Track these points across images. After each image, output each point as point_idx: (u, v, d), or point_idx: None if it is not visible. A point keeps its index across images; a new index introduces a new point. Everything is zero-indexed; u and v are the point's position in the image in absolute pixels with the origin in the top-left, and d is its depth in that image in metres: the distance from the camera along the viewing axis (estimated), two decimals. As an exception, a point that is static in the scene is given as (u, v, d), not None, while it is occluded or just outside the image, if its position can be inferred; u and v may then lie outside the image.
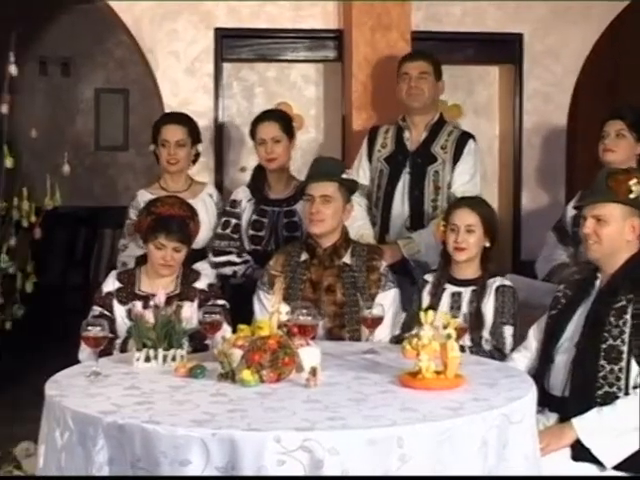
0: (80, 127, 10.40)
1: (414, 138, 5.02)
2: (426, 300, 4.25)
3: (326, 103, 5.83)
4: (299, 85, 5.81)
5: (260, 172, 5.06)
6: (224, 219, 4.99)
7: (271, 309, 3.57)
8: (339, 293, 4.27)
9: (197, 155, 5.13)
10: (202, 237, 4.76)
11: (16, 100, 5.17)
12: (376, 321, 3.93)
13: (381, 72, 5.47)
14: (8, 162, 4.91)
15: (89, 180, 10.10)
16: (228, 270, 4.91)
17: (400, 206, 4.96)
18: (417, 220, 4.90)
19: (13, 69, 4.93)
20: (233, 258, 4.92)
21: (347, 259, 4.31)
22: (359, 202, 4.86)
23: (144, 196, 4.93)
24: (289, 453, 2.77)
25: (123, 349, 4.03)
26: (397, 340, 4.07)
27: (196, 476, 2.94)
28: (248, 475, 2.76)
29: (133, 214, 4.96)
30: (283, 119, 5.02)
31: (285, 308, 3.57)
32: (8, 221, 4.95)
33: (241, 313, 4.20)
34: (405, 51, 5.44)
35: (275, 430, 2.81)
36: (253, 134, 5.01)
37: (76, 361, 4.00)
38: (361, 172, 5.05)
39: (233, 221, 4.97)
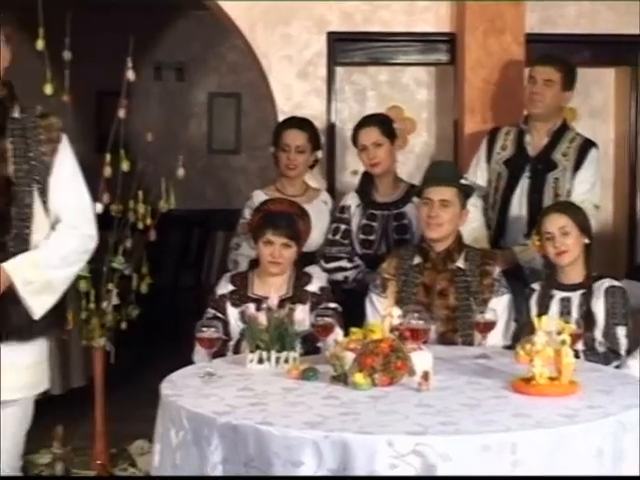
0: (193, 131, 10.55)
1: (535, 143, 4.95)
2: (534, 309, 4.22)
3: (438, 106, 5.81)
4: (411, 88, 5.80)
5: (367, 177, 5.07)
6: (334, 225, 5.01)
7: (383, 312, 3.58)
8: (452, 297, 4.25)
9: (316, 161, 5.17)
10: (315, 242, 4.78)
11: (132, 105, 5.26)
12: (489, 326, 3.91)
13: (494, 75, 5.43)
14: (124, 165, 4.99)
15: (202, 183, 10.23)
16: (340, 276, 4.92)
17: (517, 210, 4.90)
18: (535, 226, 4.83)
19: (130, 74, 5.00)
20: (344, 264, 4.93)
21: (460, 263, 4.29)
22: (474, 203, 4.82)
23: (260, 196, 4.98)
24: (401, 457, 2.77)
25: (236, 351, 4.08)
26: (510, 345, 4.04)
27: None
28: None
29: (248, 213, 5.01)
30: (383, 123, 5.01)
31: (397, 312, 3.57)
32: (124, 223, 5.02)
33: (353, 316, 4.20)
34: (519, 54, 5.39)
35: (387, 434, 2.81)
36: (355, 141, 5.02)
37: (189, 361, 4.06)
38: (479, 173, 5.01)
39: (343, 227, 4.98)
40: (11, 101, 3.61)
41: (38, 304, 3.54)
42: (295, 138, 5.05)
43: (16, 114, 3.61)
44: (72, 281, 3.72)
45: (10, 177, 3.52)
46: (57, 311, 3.65)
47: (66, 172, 3.64)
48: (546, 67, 4.90)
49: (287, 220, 4.23)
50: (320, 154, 5.19)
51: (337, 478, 2.82)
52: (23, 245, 3.53)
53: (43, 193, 3.58)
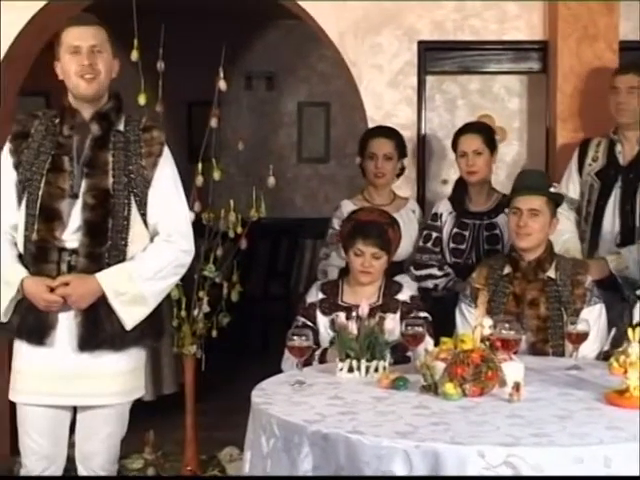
0: (283, 140, 10.60)
1: (626, 152, 4.88)
2: (637, 317, 4.15)
3: (530, 115, 5.75)
4: (502, 97, 5.75)
5: (461, 185, 5.04)
6: (425, 232, 5.00)
7: (474, 322, 3.56)
8: (543, 307, 4.21)
9: (402, 169, 5.16)
10: (403, 251, 4.77)
11: (223, 114, 5.31)
12: (581, 337, 3.86)
13: (587, 84, 5.36)
14: (216, 174, 5.03)
15: (291, 192, 10.28)
16: (429, 283, 4.91)
17: (611, 222, 4.82)
18: (627, 236, 4.74)
19: (222, 84, 5.05)
20: (434, 271, 4.92)
21: (551, 273, 4.24)
22: (567, 216, 4.78)
23: (348, 206, 4.99)
24: (492, 468, 2.75)
25: (322, 360, 4.08)
26: (605, 357, 3.98)
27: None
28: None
29: (336, 223, 5.03)
30: (485, 132, 4.99)
31: (488, 322, 3.54)
32: (215, 232, 5.07)
33: (442, 325, 4.19)
34: (613, 62, 5.31)
35: (479, 444, 2.80)
36: (455, 146, 5.00)
37: (279, 369, 4.08)
38: (571, 186, 4.95)
39: (434, 234, 4.97)
40: (117, 113, 3.68)
41: (129, 315, 3.60)
42: (382, 146, 5.05)
43: (120, 127, 3.67)
44: (166, 294, 3.77)
45: (109, 189, 3.59)
46: (152, 321, 3.71)
47: (165, 187, 3.69)
48: (627, 75, 4.84)
49: (377, 230, 4.23)
50: (406, 162, 5.19)
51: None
52: (119, 257, 3.60)
53: (141, 206, 3.64)
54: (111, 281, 3.57)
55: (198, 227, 5.04)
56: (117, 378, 3.67)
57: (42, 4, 5.42)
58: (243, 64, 10.13)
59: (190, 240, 3.79)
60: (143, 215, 3.65)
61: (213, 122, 5.09)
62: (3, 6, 5.37)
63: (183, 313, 5.07)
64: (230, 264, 5.18)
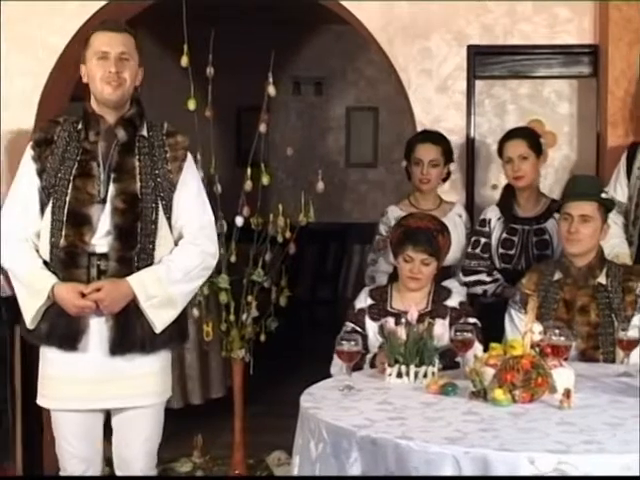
0: (331, 145, 10.61)
1: (673, 154, 4.85)
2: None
3: (580, 120, 5.71)
4: (552, 101, 5.71)
5: (509, 190, 5.02)
6: (474, 238, 4.98)
7: (524, 328, 3.53)
8: (593, 314, 4.17)
9: (448, 174, 5.15)
10: (451, 257, 4.75)
11: (272, 119, 5.33)
12: (632, 343, 3.83)
13: (638, 88, 5.32)
14: (265, 179, 5.05)
15: (339, 197, 10.28)
16: (478, 289, 4.89)
17: None
18: None
19: (271, 89, 5.07)
20: (483, 277, 4.90)
21: (602, 279, 4.21)
22: (614, 220, 4.73)
23: (394, 212, 5.00)
24: (543, 475, 2.73)
25: (372, 364, 4.08)
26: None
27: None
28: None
29: (383, 229, 5.04)
30: (531, 136, 4.97)
31: (539, 327, 3.52)
32: (264, 237, 5.09)
33: (491, 331, 4.17)
34: (664, 66, 5.26)
35: (529, 451, 2.78)
36: (500, 152, 4.99)
37: (327, 374, 4.08)
38: (619, 189, 4.91)
39: (483, 240, 4.95)
40: (140, 119, 3.71)
41: (159, 318, 3.64)
42: (428, 152, 5.04)
43: (144, 132, 3.70)
44: (192, 297, 3.81)
45: (137, 194, 3.61)
46: (178, 325, 3.76)
47: (190, 190, 3.74)
48: None
49: (427, 236, 4.22)
50: (452, 167, 5.18)
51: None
52: (148, 260, 3.64)
53: (167, 210, 3.68)
54: (142, 284, 3.60)
55: (247, 232, 5.08)
56: (148, 379, 3.71)
57: (92, 10, 5.45)
58: (292, 69, 10.16)
59: (215, 243, 3.84)
60: (169, 219, 3.69)
61: (262, 127, 5.12)
62: (54, 12, 5.42)
63: (232, 317, 5.10)
64: (278, 269, 5.19)
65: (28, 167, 3.69)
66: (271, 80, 5.09)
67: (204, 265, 3.77)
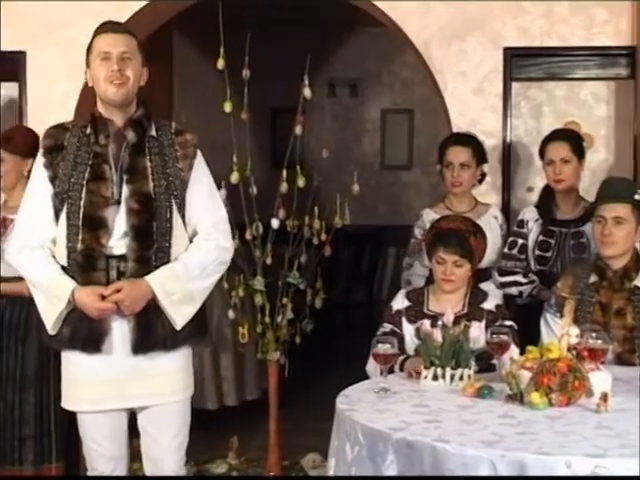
0: (366, 147, 10.61)
1: None
2: None
3: (617, 122, 5.68)
4: (589, 104, 5.69)
5: (548, 192, 5.00)
6: (511, 239, 4.96)
7: (560, 331, 3.51)
8: (629, 317, 4.14)
9: (483, 175, 5.13)
10: (487, 258, 4.73)
11: (307, 121, 5.33)
12: (669, 347, 3.80)
13: (676, 89, 5.30)
14: (300, 181, 5.06)
15: (374, 199, 10.27)
16: (514, 290, 4.88)
17: None
18: None
19: (307, 92, 5.08)
20: (519, 278, 4.88)
21: (638, 282, 4.18)
22: None
23: (429, 215, 4.99)
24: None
25: (402, 368, 4.04)
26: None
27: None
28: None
29: (418, 233, 5.03)
30: (573, 139, 4.94)
31: (575, 331, 3.50)
32: (299, 239, 5.09)
33: (526, 334, 4.15)
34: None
35: (566, 455, 2.76)
36: (542, 154, 4.96)
37: (362, 376, 4.06)
38: None
39: (520, 241, 4.93)
40: (148, 120, 3.73)
41: (179, 315, 3.66)
42: (459, 155, 5.02)
43: (153, 132, 3.72)
44: (210, 291, 3.80)
45: (151, 193, 3.64)
46: (198, 321, 3.77)
47: (202, 187, 3.76)
48: None
49: (458, 238, 4.21)
50: (486, 168, 5.15)
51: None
52: (165, 258, 3.66)
53: (181, 208, 3.71)
54: (161, 283, 3.63)
55: (282, 234, 5.09)
56: (171, 376, 3.73)
57: (130, 13, 5.49)
58: (327, 71, 10.16)
59: (230, 237, 3.87)
60: (183, 217, 3.72)
61: (298, 129, 5.12)
62: (93, 16, 5.45)
63: (267, 319, 5.10)
64: (314, 271, 5.19)
65: (40, 174, 3.71)
66: (307, 82, 5.10)
67: (220, 260, 3.80)
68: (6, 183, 4.79)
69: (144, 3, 5.53)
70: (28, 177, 4.63)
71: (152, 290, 3.61)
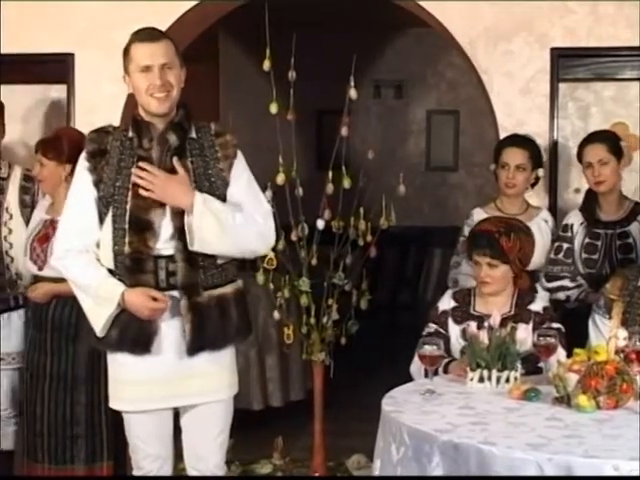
0: (411, 148, 10.59)
1: None
2: None
3: (666, 123, 5.63)
4: (637, 104, 5.63)
5: (591, 194, 4.96)
6: (556, 244, 4.92)
7: (609, 334, 3.49)
8: (678, 320, 4.11)
9: (537, 179, 5.10)
10: (536, 261, 4.70)
11: (352, 122, 5.33)
12: None
13: None
14: (346, 183, 5.06)
15: (419, 200, 10.25)
16: (561, 295, 4.83)
17: None
18: None
19: (353, 93, 5.08)
20: (566, 283, 4.85)
21: (689, 284, 4.14)
22: None
23: (479, 214, 4.96)
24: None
25: (445, 370, 4.04)
26: None
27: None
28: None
29: (467, 232, 5.00)
30: (610, 140, 4.90)
31: (623, 333, 3.48)
32: (345, 240, 5.09)
33: (574, 336, 4.12)
34: None
35: (614, 458, 2.75)
36: (580, 156, 4.93)
37: (406, 378, 4.06)
38: None
39: (565, 245, 4.90)
40: (188, 122, 3.74)
41: (198, 225, 3.60)
42: (515, 156, 5.00)
43: (193, 134, 3.73)
44: (231, 251, 3.72)
45: None
46: (243, 319, 3.79)
47: (240, 183, 3.76)
48: None
49: (487, 239, 4.17)
50: (541, 172, 5.12)
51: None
52: (212, 257, 3.68)
53: None
54: (205, 199, 3.63)
55: (328, 235, 5.09)
56: (217, 375, 3.75)
57: (177, 15, 5.51)
58: (372, 72, 10.15)
59: (272, 225, 3.82)
60: None
61: (344, 131, 5.12)
62: (141, 18, 5.49)
63: (312, 320, 5.11)
64: (359, 272, 5.19)
65: (84, 179, 3.73)
66: (353, 83, 5.10)
67: (260, 234, 3.75)
68: (45, 188, 4.85)
69: (192, 4, 5.55)
70: (69, 182, 4.73)
71: (193, 197, 3.59)
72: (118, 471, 4.88)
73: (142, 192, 3.60)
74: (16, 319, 4.94)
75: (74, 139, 4.87)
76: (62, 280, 4.53)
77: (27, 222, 4.91)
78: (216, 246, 3.66)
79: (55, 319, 4.75)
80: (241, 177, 3.77)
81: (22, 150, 5.62)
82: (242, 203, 3.73)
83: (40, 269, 4.75)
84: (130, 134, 3.71)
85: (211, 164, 3.72)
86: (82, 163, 3.75)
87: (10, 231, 4.92)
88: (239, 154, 3.79)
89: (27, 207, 4.96)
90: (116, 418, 4.17)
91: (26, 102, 5.73)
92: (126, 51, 3.72)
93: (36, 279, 4.80)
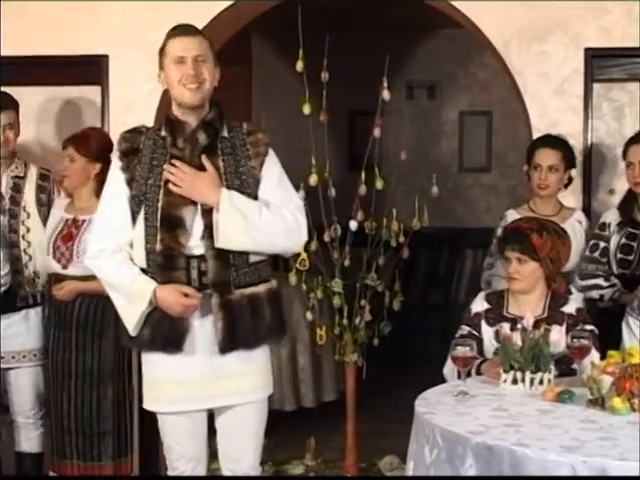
0: (444, 149, 10.56)
1: None
2: None
3: (702, 124, 5.58)
4: (672, 105, 5.60)
5: (631, 195, 4.93)
6: (593, 242, 4.89)
7: (643, 336, 3.48)
8: None
9: (570, 180, 5.08)
10: (570, 262, 4.68)
11: (385, 123, 5.33)
12: None
13: None
14: (379, 184, 5.06)
15: (452, 201, 10.22)
16: (595, 294, 4.80)
17: None
18: None
19: (386, 94, 5.07)
20: (600, 282, 4.81)
21: None
22: None
23: (513, 215, 4.94)
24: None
25: (478, 371, 4.03)
26: None
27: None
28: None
29: (500, 233, 4.98)
30: None
31: (657, 335, 3.46)
32: (377, 241, 5.09)
33: (608, 338, 4.10)
34: None
35: (649, 461, 2.73)
36: (625, 155, 4.90)
37: (439, 379, 4.05)
38: None
39: (601, 244, 4.87)
40: (220, 121, 3.75)
41: (226, 214, 3.61)
42: (548, 157, 4.98)
43: (225, 133, 3.74)
44: (256, 246, 3.71)
45: None
46: (277, 320, 3.79)
47: (271, 179, 3.76)
48: None
49: (518, 235, 4.18)
50: (574, 173, 5.10)
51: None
52: (243, 256, 3.68)
53: None
54: (232, 194, 3.64)
55: (360, 236, 5.09)
56: (252, 375, 3.76)
57: (210, 16, 5.53)
58: (404, 73, 10.13)
59: (303, 229, 3.81)
60: None
61: (376, 132, 5.12)
62: (176, 18, 5.51)
63: (345, 321, 5.11)
64: (392, 273, 5.19)
65: (117, 178, 3.75)
66: (386, 84, 5.09)
67: (289, 228, 3.73)
68: (70, 183, 4.87)
69: (226, 4, 5.56)
70: (95, 180, 4.77)
71: (222, 192, 3.61)
72: (145, 468, 4.90)
73: (171, 187, 3.62)
74: (34, 316, 4.98)
75: (104, 139, 4.93)
76: (87, 278, 4.61)
77: (44, 221, 4.96)
78: (241, 242, 3.66)
79: (80, 317, 4.79)
80: (272, 173, 3.77)
81: (53, 150, 5.63)
82: (272, 199, 3.73)
83: (65, 267, 4.80)
84: (163, 133, 3.73)
85: (242, 162, 3.73)
86: (115, 162, 3.77)
87: (28, 230, 4.96)
88: (270, 152, 3.80)
89: (44, 206, 5.01)
90: (143, 414, 4.20)
91: (57, 103, 5.76)
92: (162, 48, 3.75)
93: (56, 277, 4.83)
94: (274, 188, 3.76)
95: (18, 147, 5.10)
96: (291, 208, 3.77)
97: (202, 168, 3.66)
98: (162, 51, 3.75)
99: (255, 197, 3.72)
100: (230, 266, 3.65)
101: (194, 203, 3.65)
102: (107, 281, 3.80)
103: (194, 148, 3.68)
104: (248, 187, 3.71)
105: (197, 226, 3.65)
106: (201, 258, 3.64)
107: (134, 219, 3.70)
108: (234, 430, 3.79)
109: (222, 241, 3.62)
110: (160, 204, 3.65)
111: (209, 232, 3.62)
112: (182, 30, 3.77)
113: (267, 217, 3.67)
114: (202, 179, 3.63)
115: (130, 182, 3.71)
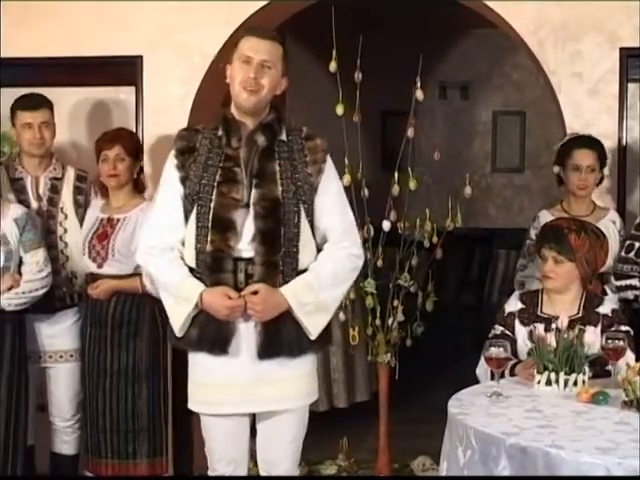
0: (477, 149, 10.54)
1: None
2: None
3: None
4: None
5: (668, 196, 4.92)
6: (628, 242, 4.87)
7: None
8: None
9: (601, 179, 5.06)
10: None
11: (418, 123, 5.32)
12: None
13: None
14: (412, 184, 5.06)
15: (485, 201, 10.20)
16: (629, 294, 4.78)
17: None
18: None
19: (419, 94, 5.08)
20: (635, 282, 4.79)
21: None
22: None
23: (546, 217, 4.92)
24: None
25: (512, 373, 4.01)
26: None
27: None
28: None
29: (534, 234, 4.96)
30: None
31: (693, 337, 3.43)
32: (411, 241, 5.09)
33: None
34: None
35: (684, 463, 2.71)
36: None
37: (472, 380, 4.04)
38: None
39: (637, 245, 4.83)
40: (279, 125, 3.72)
41: (313, 324, 3.66)
42: (587, 158, 4.97)
43: (283, 137, 3.72)
44: (343, 299, 3.79)
45: (279, 198, 3.64)
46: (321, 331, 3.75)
47: (332, 192, 3.74)
48: None
49: (556, 235, 4.15)
50: (607, 172, 5.08)
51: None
52: (293, 264, 3.65)
53: (309, 213, 3.69)
54: (295, 293, 3.62)
55: (393, 236, 5.09)
56: (296, 382, 3.72)
57: (243, 18, 5.54)
58: (437, 73, 10.13)
59: (359, 245, 3.83)
60: (310, 222, 3.69)
61: (410, 132, 5.12)
62: (207, 20, 5.54)
63: (378, 322, 5.11)
64: (425, 273, 5.18)
65: (172, 176, 3.73)
66: (419, 84, 5.09)
67: (352, 266, 3.78)
68: (119, 182, 4.88)
69: (260, 4, 5.57)
70: (132, 180, 4.81)
71: (286, 301, 3.61)
72: (180, 466, 4.92)
73: (253, 315, 3.62)
74: (71, 316, 5.02)
75: (138, 139, 4.98)
76: (122, 277, 4.63)
77: (81, 222, 4.99)
78: (330, 313, 3.73)
79: (116, 316, 4.82)
80: (331, 186, 3.74)
81: (87, 152, 5.66)
82: (329, 224, 3.71)
83: (100, 267, 4.82)
84: (219, 132, 3.71)
85: (299, 168, 3.69)
86: (171, 160, 3.75)
87: (65, 230, 5.00)
88: (328, 159, 3.75)
89: (81, 207, 5.04)
90: (177, 413, 4.21)
91: (88, 104, 5.78)
92: (235, 43, 3.73)
93: (92, 276, 4.86)
94: (333, 203, 3.73)
95: (53, 149, 5.13)
96: (351, 237, 3.78)
97: (259, 171, 3.62)
98: (235, 46, 3.72)
99: (310, 204, 3.67)
100: (278, 272, 3.63)
101: (246, 206, 3.62)
102: (156, 279, 3.81)
103: (251, 150, 3.65)
104: (303, 194, 3.67)
105: (247, 229, 3.62)
106: (249, 261, 3.61)
107: (187, 218, 3.69)
108: (273, 435, 3.78)
109: (314, 332, 3.67)
110: (212, 204, 3.63)
111: (260, 236, 3.60)
112: (258, 31, 3.74)
113: (332, 277, 3.69)
114: (265, 302, 3.58)
115: (184, 180, 3.69)
